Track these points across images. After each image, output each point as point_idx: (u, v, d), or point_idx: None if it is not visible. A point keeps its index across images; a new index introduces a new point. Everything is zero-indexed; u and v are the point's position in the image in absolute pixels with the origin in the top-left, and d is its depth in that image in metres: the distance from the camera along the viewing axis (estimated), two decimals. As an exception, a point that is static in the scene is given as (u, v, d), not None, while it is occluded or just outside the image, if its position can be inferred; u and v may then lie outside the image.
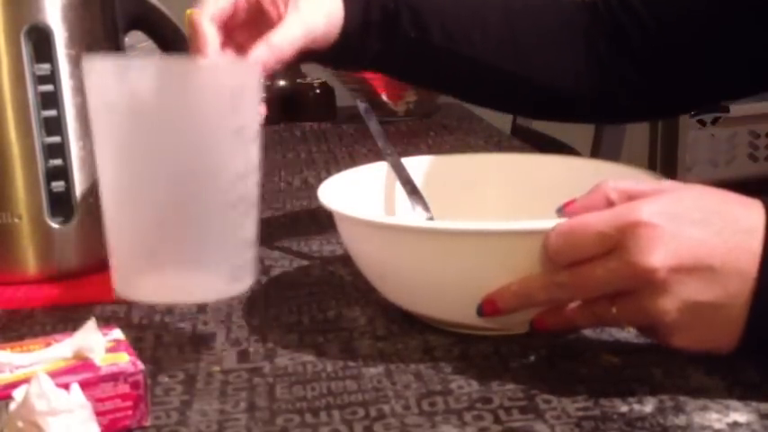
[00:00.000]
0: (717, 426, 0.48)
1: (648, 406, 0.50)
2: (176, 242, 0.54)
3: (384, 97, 1.50)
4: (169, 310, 0.67)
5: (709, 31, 0.77)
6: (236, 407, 0.52)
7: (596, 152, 1.79)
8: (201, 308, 0.67)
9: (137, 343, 0.60)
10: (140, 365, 0.49)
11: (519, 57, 0.79)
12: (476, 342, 0.59)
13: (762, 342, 0.50)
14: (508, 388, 0.53)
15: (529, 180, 0.73)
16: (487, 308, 0.55)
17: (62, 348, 0.50)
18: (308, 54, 0.70)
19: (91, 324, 0.51)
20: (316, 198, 0.63)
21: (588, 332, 0.59)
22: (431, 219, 0.71)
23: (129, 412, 0.49)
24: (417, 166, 0.75)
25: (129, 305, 0.67)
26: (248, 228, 0.56)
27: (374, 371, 0.56)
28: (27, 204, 0.71)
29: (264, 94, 0.59)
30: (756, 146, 2.98)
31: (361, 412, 0.51)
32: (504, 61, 0.79)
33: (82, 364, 0.49)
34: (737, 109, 2.84)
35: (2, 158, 0.70)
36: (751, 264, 0.49)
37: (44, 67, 0.71)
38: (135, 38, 0.83)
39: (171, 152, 0.53)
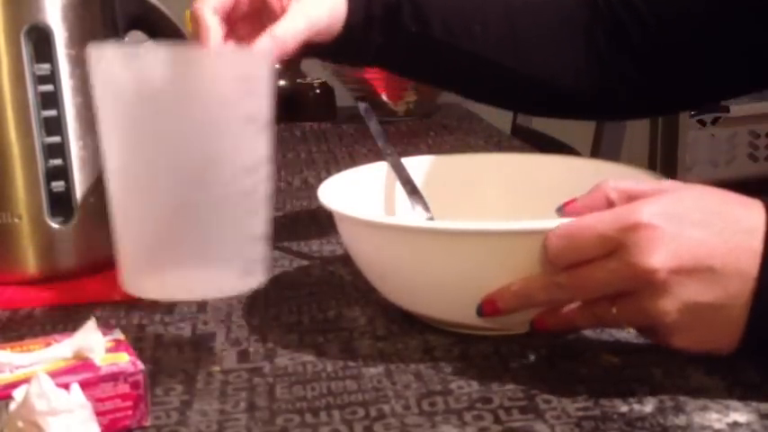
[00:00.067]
0: (717, 426, 0.48)
1: (648, 406, 0.50)
2: (185, 234, 0.53)
3: (384, 97, 1.50)
4: (169, 309, 0.67)
5: (709, 29, 0.77)
6: (236, 407, 0.52)
7: (596, 152, 1.79)
8: (201, 308, 0.67)
9: (137, 343, 0.60)
10: (140, 365, 0.49)
11: (519, 53, 0.79)
12: (476, 342, 0.59)
13: (762, 342, 0.50)
14: (508, 388, 0.53)
15: (529, 180, 0.73)
16: (487, 308, 0.55)
17: (62, 348, 0.50)
18: (311, 47, 0.70)
19: (91, 324, 0.51)
20: (316, 198, 0.63)
21: (588, 332, 0.59)
22: (431, 219, 0.71)
23: (129, 412, 0.49)
24: (417, 166, 0.74)
25: (130, 305, 0.67)
26: (260, 220, 0.54)
27: (374, 371, 0.56)
28: (27, 204, 0.71)
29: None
30: (756, 146, 2.98)
31: (361, 412, 0.51)
32: (505, 57, 0.79)
33: (82, 364, 0.49)
34: (737, 109, 2.84)
35: (2, 158, 0.70)
36: (751, 264, 0.49)
37: (44, 67, 0.70)
38: (135, 38, 0.83)
39: (180, 140, 0.52)
